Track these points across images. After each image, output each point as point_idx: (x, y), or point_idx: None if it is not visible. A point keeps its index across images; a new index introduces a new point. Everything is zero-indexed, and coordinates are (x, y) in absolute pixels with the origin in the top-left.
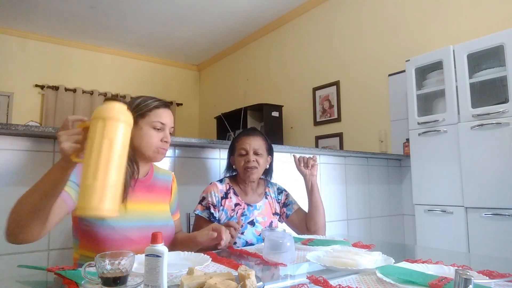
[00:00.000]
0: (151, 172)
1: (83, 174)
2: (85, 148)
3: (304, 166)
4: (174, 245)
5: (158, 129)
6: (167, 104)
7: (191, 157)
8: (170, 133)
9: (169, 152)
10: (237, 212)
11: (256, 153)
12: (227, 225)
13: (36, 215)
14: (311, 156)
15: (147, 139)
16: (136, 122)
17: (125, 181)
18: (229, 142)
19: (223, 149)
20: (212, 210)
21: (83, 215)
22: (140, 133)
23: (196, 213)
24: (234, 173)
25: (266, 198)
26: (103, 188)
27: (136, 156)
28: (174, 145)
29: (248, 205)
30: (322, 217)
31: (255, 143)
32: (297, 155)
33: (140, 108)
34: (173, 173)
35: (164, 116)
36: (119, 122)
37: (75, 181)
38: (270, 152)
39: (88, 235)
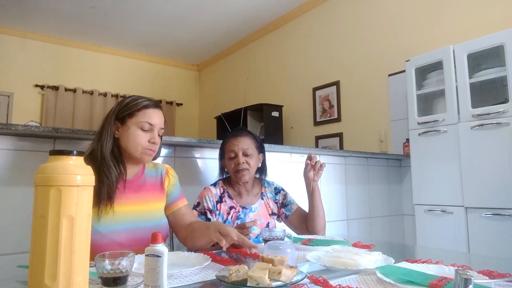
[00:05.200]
0: (142, 171)
1: (33, 269)
2: (32, 230)
3: (312, 168)
4: (191, 232)
5: (146, 130)
6: (157, 105)
7: (191, 157)
8: (160, 135)
9: (169, 152)
10: (232, 216)
11: (245, 154)
12: (243, 227)
13: None
14: (322, 163)
15: (133, 139)
16: (124, 122)
17: (111, 183)
18: None
19: None
20: (209, 216)
21: None
22: (127, 133)
23: None
24: (227, 176)
25: (262, 198)
26: None
27: (123, 156)
28: (174, 145)
29: (243, 207)
30: (322, 220)
31: (243, 144)
32: (313, 154)
33: (129, 107)
34: (167, 165)
35: (153, 117)
36: (76, 187)
37: None
38: (261, 150)
39: None
